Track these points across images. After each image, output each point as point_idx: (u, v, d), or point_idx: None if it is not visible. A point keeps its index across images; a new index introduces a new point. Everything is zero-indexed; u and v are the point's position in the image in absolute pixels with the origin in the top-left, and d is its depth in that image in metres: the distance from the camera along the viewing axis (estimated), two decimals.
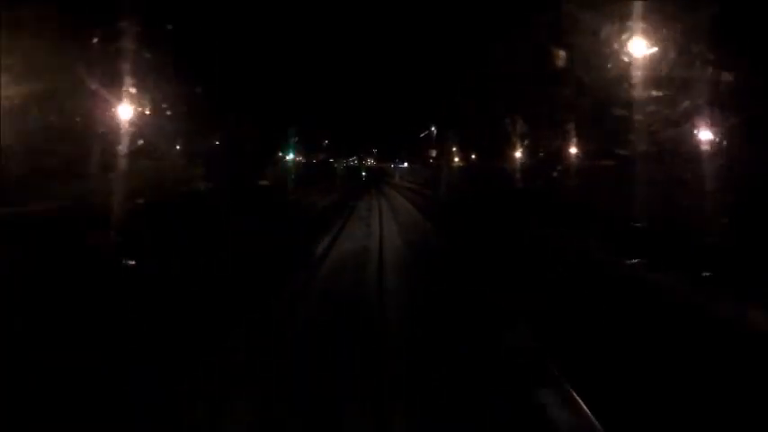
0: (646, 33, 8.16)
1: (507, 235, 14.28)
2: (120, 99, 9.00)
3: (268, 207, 18.42)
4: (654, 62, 8.51)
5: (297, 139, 29.33)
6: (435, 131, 40.64)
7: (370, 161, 76.79)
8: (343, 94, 41.71)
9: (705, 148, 9.91)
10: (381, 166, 72.77)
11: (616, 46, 8.98)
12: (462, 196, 27.60)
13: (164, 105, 10.23)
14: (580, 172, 17.47)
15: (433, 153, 47.12)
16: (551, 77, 19.05)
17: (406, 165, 64.51)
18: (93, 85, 8.66)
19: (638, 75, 8.81)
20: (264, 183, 24.09)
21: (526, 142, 22.84)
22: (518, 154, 23.46)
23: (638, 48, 8.45)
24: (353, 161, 75.07)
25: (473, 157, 32.69)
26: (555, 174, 19.98)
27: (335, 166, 63.62)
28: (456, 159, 36.68)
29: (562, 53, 19.19)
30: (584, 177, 17.28)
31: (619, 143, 15.51)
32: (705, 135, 9.95)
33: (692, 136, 10.09)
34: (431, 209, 23.99)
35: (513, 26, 20.95)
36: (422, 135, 41.65)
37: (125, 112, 8.56)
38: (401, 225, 18.35)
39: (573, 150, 18.22)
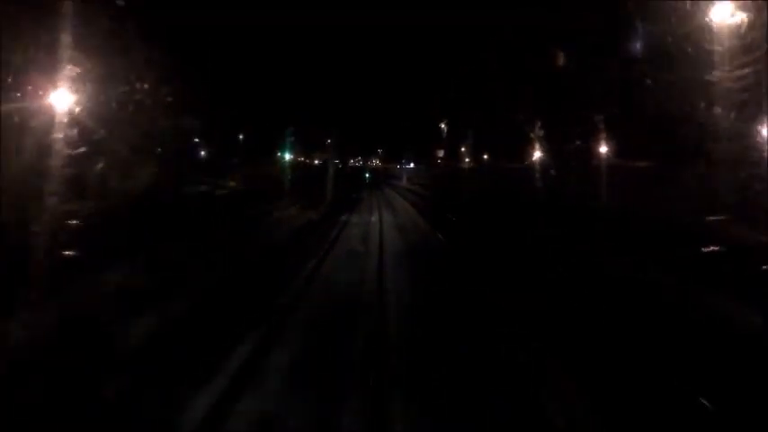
0: None
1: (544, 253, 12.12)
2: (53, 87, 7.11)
3: (206, 229, 11.72)
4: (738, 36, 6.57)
5: (293, 138, 26.87)
6: (446, 129, 38.68)
7: (376, 162, 75.04)
8: (347, 93, 39.76)
9: None
10: (386, 167, 70.93)
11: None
12: (487, 204, 23.84)
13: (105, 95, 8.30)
14: (610, 172, 15.77)
15: (441, 153, 45.39)
16: (576, 70, 17.57)
17: (412, 165, 62.48)
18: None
19: (715, 53, 6.87)
20: (223, 189, 18.16)
21: (541, 146, 21.25)
22: (537, 153, 21.65)
23: (720, 15, 6.52)
24: (358, 162, 73.37)
25: (485, 157, 30.87)
26: (574, 176, 18.49)
27: (340, 167, 61.36)
28: (467, 159, 34.88)
29: (561, 53, 18.41)
30: (615, 178, 15.58)
31: (657, 141, 14.01)
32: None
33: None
34: (452, 227, 18.13)
35: (532, 17, 19.59)
36: (441, 125, 38.81)
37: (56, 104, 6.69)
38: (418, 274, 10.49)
39: (602, 149, 16.49)
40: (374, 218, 21.25)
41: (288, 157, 27.67)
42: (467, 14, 24.25)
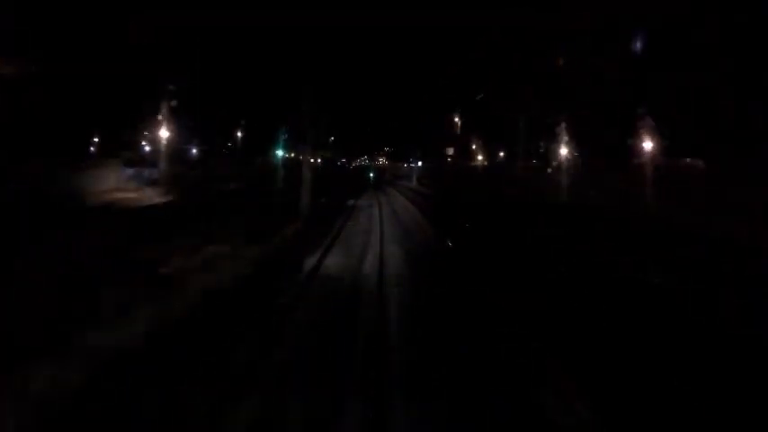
0: None
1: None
2: None
3: None
4: None
5: (287, 136, 24.06)
6: (459, 124, 36.59)
7: (382, 160, 73.04)
8: (349, 92, 37.24)
9: None
10: (393, 165, 68.78)
11: None
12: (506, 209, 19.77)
13: None
14: (658, 173, 13.59)
15: (450, 151, 43.31)
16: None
17: (420, 164, 59.93)
18: None
19: None
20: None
21: (565, 144, 19.18)
22: (563, 151, 19.51)
23: None
24: (364, 160, 71.36)
25: (501, 154, 28.67)
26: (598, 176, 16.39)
27: (347, 165, 58.68)
28: (479, 157, 32.72)
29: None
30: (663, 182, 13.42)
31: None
32: None
33: None
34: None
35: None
36: (455, 119, 36.30)
37: None
38: None
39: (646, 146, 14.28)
40: (367, 266, 10.05)
41: (281, 154, 25.33)
42: (468, 14, 22.67)
